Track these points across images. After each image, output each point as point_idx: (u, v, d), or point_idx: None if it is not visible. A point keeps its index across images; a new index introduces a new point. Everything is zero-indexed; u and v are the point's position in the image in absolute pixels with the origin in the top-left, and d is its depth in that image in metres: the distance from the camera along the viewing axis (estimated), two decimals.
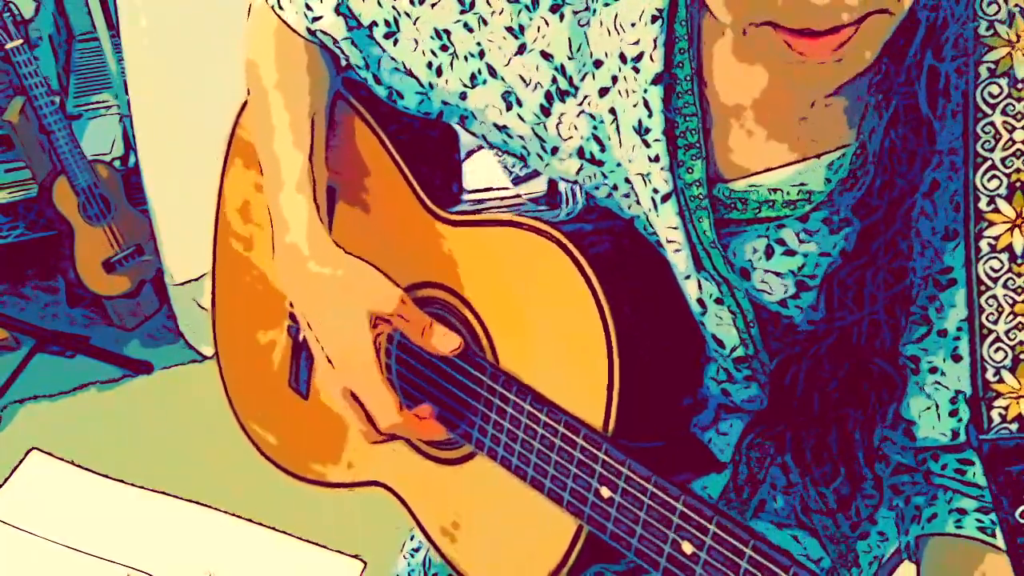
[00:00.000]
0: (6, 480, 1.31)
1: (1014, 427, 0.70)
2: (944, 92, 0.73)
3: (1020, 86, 0.70)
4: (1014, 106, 0.69)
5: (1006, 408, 0.70)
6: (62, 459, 1.35)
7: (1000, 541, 0.81)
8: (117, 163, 2.63)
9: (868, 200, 0.77)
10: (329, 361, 0.95)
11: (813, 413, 0.86)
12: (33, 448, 1.36)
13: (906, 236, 0.77)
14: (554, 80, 0.87)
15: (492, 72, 0.89)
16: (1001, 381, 0.70)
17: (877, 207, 0.77)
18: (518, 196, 1.10)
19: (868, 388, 0.83)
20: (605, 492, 0.84)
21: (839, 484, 0.89)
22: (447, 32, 0.89)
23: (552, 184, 1.46)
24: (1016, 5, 0.70)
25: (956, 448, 0.88)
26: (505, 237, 0.91)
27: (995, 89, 0.70)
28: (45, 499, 1.31)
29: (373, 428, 0.96)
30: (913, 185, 0.75)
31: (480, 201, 1.04)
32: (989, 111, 0.70)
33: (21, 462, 1.35)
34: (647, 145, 0.83)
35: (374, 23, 0.93)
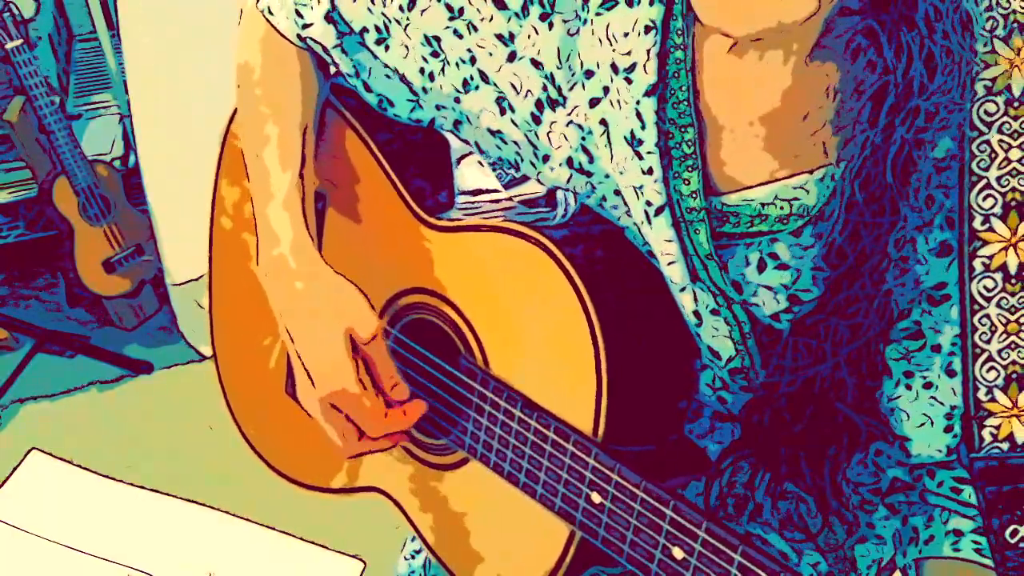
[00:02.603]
0: (6, 480, 1.31)
1: (1005, 446, 0.70)
2: (910, 161, 0.73)
3: (1016, 104, 0.69)
4: (1010, 124, 0.69)
5: (998, 427, 0.70)
6: (62, 459, 1.35)
7: None
8: (117, 163, 2.64)
9: (835, 256, 0.78)
10: (308, 376, 0.95)
11: (781, 452, 0.87)
12: (33, 448, 1.35)
13: (869, 293, 0.77)
14: (544, 88, 0.86)
15: (484, 78, 0.89)
16: (993, 400, 0.70)
17: (838, 264, 0.78)
18: (510, 199, 1.10)
19: (832, 433, 0.84)
20: (596, 498, 0.84)
21: (811, 516, 0.90)
22: (437, 39, 0.89)
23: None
24: (1015, 22, 0.70)
25: (951, 465, 0.88)
26: (493, 243, 0.91)
27: (991, 107, 0.70)
28: (45, 499, 1.30)
29: (353, 441, 0.96)
30: (877, 243, 0.76)
31: (472, 204, 1.04)
32: (985, 129, 0.70)
33: (21, 462, 1.34)
34: (640, 157, 0.83)
35: (365, 29, 0.92)
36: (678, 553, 0.79)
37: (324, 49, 0.95)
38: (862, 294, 0.77)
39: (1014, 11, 0.70)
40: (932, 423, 0.85)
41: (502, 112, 0.89)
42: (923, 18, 0.70)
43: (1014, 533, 0.69)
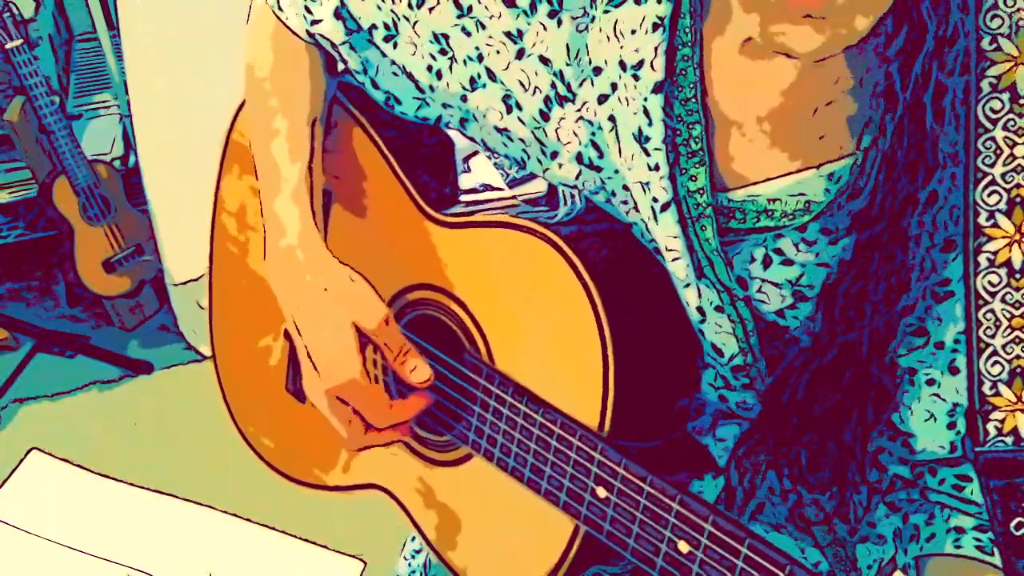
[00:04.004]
0: (6, 480, 1.31)
1: (1009, 440, 0.70)
2: (951, 107, 0.72)
3: (1022, 101, 0.70)
4: (1015, 121, 0.69)
5: (1002, 421, 0.70)
6: (62, 459, 1.35)
7: (999, 560, 0.81)
8: (117, 163, 2.64)
9: (869, 211, 0.77)
10: (315, 368, 0.95)
11: (811, 424, 0.86)
12: (33, 448, 1.35)
13: (906, 247, 0.77)
14: (553, 85, 0.87)
15: (491, 76, 0.89)
16: (997, 394, 0.70)
17: (878, 218, 0.77)
18: (514, 198, 1.10)
19: (866, 399, 0.84)
20: (601, 492, 0.84)
21: (833, 491, 0.90)
22: (445, 36, 0.89)
23: (552, 185, 1.46)
24: (1020, 19, 0.70)
25: (953, 462, 0.88)
26: (500, 238, 0.91)
27: (997, 104, 0.70)
28: (45, 499, 1.30)
29: (358, 433, 0.96)
30: (915, 197, 0.75)
31: (476, 203, 1.05)
32: (990, 126, 0.70)
33: (21, 462, 1.34)
34: (647, 153, 0.83)
35: (373, 26, 0.93)
36: (684, 547, 0.79)
37: (332, 45, 0.95)
38: (899, 248, 0.77)
39: (1019, 9, 0.70)
40: (935, 419, 0.85)
41: (509, 110, 0.90)
42: None
43: (1019, 526, 0.69)
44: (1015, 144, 0.70)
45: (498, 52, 0.87)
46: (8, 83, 2.54)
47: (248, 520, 1.28)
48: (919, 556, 0.89)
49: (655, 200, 0.84)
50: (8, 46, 2.23)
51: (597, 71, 0.85)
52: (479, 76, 0.89)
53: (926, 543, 0.88)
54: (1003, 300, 0.71)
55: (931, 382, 0.84)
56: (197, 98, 2.16)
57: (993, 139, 0.70)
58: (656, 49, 0.81)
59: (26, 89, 2.29)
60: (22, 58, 2.26)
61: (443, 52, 0.90)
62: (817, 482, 0.90)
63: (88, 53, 2.98)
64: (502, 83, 0.89)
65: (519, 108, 0.89)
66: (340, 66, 1.00)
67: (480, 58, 0.88)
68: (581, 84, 0.86)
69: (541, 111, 0.88)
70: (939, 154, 0.74)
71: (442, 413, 0.98)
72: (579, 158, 0.89)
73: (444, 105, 0.94)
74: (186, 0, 2.21)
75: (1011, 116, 0.70)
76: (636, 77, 0.82)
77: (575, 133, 0.88)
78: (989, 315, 0.71)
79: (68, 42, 3.01)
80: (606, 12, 0.82)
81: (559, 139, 0.89)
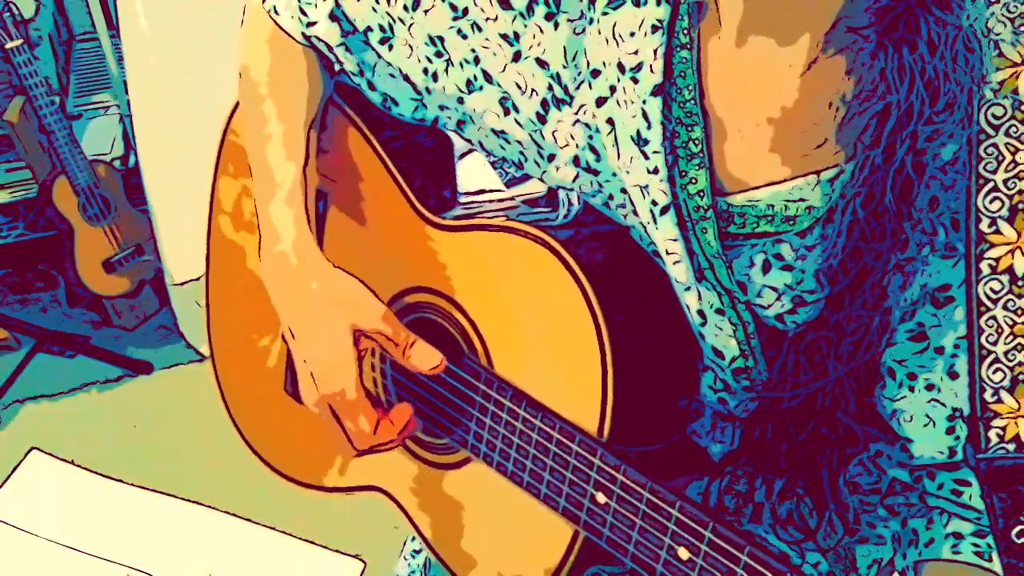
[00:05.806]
0: (6, 480, 1.31)
1: (1011, 447, 0.70)
2: (910, 183, 0.74)
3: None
4: (1017, 127, 0.69)
5: (1004, 428, 0.70)
6: (62, 459, 1.36)
7: (997, 566, 0.82)
8: (117, 163, 2.64)
9: (837, 271, 0.78)
10: (311, 375, 0.94)
11: (781, 463, 0.88)
12: (33, 448, 1.36)
13: (872, 307, 0.78)
14: (550, 88, 0.86)
15: (488, 78, 0.89)
16: (1000, 401, 0.71)
17: (839, 280, 0.78)
18: (513, 199, 1.10)
19: (833, 442, 0.85)
20: (601, 498, 0.84)
21: (808, 519, 0.90)
22: (441, 39, 0.89)
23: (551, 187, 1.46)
24: (1022, 26, 0.70)
25: (952, 467, 0.88)
26: (498, 242, 0.91)
27: (999, 110, 0.70)
28: (45, 499, 1.31)
29: (349, 446, 0.95)
30: (879, 261, 0.76)
31: (474, 204, 1.04)
32: (992, 132, 0.70)
33: (21, 462, 1.35)
34: (646, 156, 0.83)
35: (369, 28, 0.92)
36: (684, 553, 0.79)
37: (328, 47, 0.95)
38: (864, 312, 0.78)
39: (1021, 15, 0.70)
40: (934, 424, 0.85)
41: (506, 112, 0.89)
42: (926, 42, 0.70)
43: (1020, 534, 0.69)
44: (1017, 150, 0.70)
45: (494, 55, 0.87)
46: (8, 83, 2.54)
47: (248, 520, 1.28)
48: (918, 560, 0.89)
49: (654, 203, 0.84)
50: (8, 46, 2.23)
51: (595, 73, 0.84)
52: (476, 78, 0.89)
53: (925, 548, 0.88)
54: (1005, 307, 0.71)
55: (930, 387, 0.84)
56: (197, 98, 2.16)
57: (995, 145, 0.70)
58: (655, 52, 0.81)
59: (26, 89, 2.29)
60: (22, 58, 2.25)
61: (439, 55, 0.89)
62: (788, 514, 0.91)
63: (88, 53, 2.98)
64: (499, 85, 0.88)
65: (516, 110, 0.89)
66: (337, 67, 1.00)
67: (476, 60, 0.88)
68: (578, 87, 0.86)
69: (538, 113, 0.88)
70: (902, 224, 0.75)
71: (441, 417, 0.98)
72: (576, 161, 0.89)
73: (441, 107, 0.94)
74: (186, 0, 2.21)
75: (1013, 122, 0.70)
76: (635, 80, 0.82)
77: (572, 136, 0.88)
78: (991, 322, 0.71)
79: (68, 42, 3.01)
80: (605, 14, 0.82)
81: (556, 142, 0.89)
